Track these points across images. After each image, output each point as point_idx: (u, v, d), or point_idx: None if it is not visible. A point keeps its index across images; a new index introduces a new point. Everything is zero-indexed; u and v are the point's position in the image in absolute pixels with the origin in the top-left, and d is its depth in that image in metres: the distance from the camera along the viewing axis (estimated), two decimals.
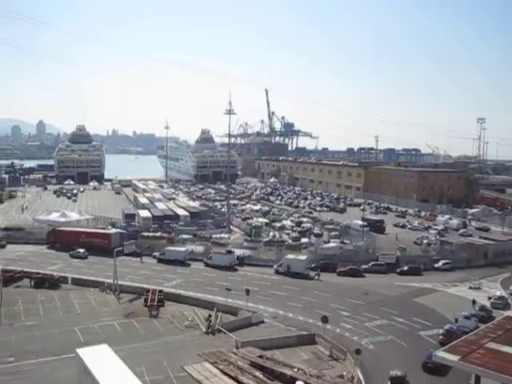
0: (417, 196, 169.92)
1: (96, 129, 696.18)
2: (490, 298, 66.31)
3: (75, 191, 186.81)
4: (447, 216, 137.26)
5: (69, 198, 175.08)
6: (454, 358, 32.41)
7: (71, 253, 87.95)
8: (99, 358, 35.19)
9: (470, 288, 73.38)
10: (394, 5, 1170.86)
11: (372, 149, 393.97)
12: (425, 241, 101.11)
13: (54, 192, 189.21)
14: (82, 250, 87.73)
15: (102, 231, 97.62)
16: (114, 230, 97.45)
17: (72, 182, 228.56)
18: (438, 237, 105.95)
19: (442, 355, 33.26)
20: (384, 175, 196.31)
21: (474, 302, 61.86)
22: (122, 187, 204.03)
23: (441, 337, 51.26)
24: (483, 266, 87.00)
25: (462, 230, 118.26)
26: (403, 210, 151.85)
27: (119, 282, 66.78)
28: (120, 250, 74.65)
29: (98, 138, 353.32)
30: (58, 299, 63.93)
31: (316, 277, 77.10)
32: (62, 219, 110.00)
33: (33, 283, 69.25)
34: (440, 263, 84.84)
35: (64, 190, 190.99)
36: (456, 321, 55.80)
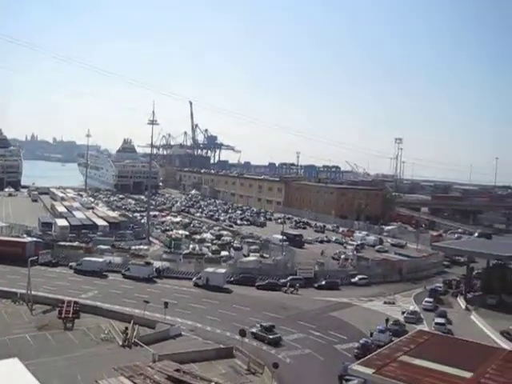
0: (335, 212, 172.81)
1: (14, 133, 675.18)
2: (403, 313, 68.22)
3: None
4: (364, 232, 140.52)
5: None
6: (368, 371, 33.23)
7: None
8: (9, 373, 33.61)
9: (385, 303, 75.40)
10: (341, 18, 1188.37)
11: (293, 164, 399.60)
12: (342, 256, 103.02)
13: None
14: None
15: (16, 239, 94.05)
16: (28, 239, 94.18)
17: None
18: (355, 252, 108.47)
19: (358, 368, 34.05)
20: (304, 191, 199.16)
21: (387, 320, 63.04)
22: (40, 195, 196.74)
23: (356, 350, 52.22)
24: (398, 281, 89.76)
25: (378, 246, 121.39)
26: (322, 225, 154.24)
27: (33, 293, 64.30)
28: (35, 259, 72.47)
29: (16, 143, 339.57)
30: None
31: (294, 291, 78.15)
32: None
33: None
34: (357, 278, 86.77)
35: None
36: (371, 335, 56.90)
